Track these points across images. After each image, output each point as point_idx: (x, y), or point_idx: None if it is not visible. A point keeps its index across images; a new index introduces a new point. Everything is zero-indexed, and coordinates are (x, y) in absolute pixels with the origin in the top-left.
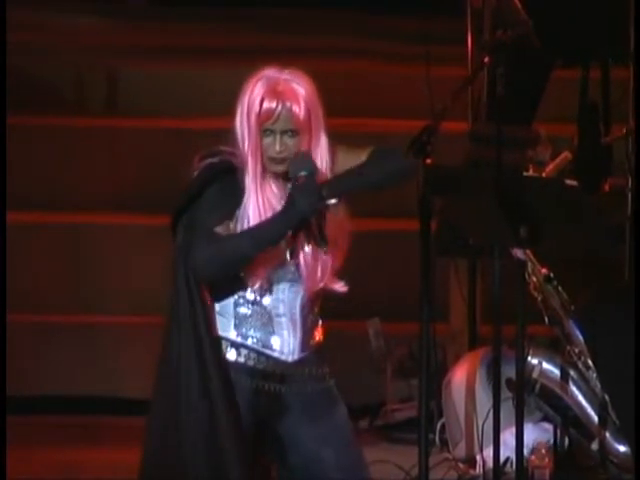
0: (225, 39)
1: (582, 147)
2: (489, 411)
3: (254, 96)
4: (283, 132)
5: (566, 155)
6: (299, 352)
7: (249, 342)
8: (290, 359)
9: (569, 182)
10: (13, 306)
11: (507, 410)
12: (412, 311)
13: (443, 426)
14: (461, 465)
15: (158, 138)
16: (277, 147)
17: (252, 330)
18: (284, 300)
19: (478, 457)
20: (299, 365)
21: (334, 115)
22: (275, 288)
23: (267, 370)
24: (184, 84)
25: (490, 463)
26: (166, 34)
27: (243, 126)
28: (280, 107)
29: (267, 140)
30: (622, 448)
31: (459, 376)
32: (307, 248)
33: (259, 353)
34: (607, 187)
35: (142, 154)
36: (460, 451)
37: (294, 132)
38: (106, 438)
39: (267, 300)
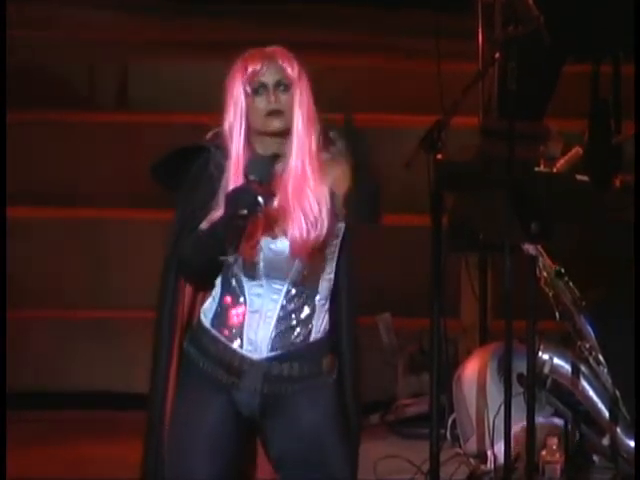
0: (241, 34)
1: (593, 143)
2: (500, 406)
3: (240, 65)
4: (276, 85)
5: (577, 150)
6: (268, 350)
7: (221, 333)
8: (255, 357)
9: (580, 177)
10: (31, 302)
11: (518, 405)
12: (423, 306)
13: (454, 421)
14: (472, 460)
15: (173, 133)
16: (272, 97)
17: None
18: (259, 295)
19: (489, 452)
20: (268, 363)
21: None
22: (247, 285)
23: (230, 363)
24: (199, 79)
25: (501, 458)
26: (180, 29)
27: (230, 97)
28: (268, 62)
29: (259, 99)
30: (633, 443)
31: (470, 371)
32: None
33: (226, 346)
34: (618, 183)
35: (157, 150)
36: (471, 446)
37: (286, 86)
38: (124, 433)
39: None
